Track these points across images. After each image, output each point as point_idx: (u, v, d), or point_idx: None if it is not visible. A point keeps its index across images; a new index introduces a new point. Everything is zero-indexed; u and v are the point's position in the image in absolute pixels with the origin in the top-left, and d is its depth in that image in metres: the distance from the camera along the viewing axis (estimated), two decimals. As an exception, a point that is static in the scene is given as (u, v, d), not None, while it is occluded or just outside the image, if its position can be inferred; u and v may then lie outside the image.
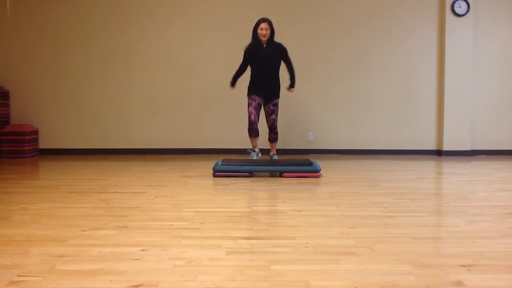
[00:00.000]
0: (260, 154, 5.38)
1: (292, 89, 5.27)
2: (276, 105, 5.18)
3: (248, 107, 5.09)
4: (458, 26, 6.57)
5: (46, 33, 6.58)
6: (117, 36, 6.60)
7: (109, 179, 4.42)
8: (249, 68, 5.20)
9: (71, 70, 6.62)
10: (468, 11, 6.54)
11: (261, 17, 5.15)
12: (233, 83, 5.26)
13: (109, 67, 6.63)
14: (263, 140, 6.08)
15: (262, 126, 5.83)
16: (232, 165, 4.62)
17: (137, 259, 2.11)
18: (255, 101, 5.07)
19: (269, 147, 5.61)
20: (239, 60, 5.25)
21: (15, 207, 3.20)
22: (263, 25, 4.98)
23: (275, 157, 5.35)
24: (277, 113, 5.22)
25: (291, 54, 5.21)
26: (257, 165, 4.62)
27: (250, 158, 5.20)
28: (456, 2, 6.53)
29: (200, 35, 6.64)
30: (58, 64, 6.61)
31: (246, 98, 5.21)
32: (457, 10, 6.54)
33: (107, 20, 6.59)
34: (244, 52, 5.13)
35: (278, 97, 5.19)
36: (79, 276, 1.89)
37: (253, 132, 5.08)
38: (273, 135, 5.28)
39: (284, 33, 6.01)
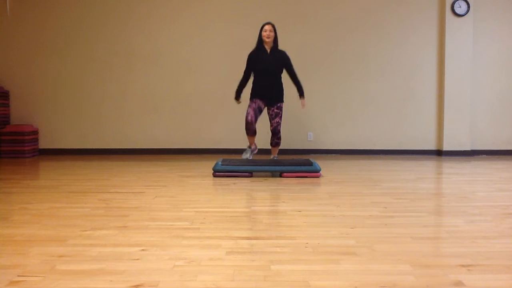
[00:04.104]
0: (256, 151, 5.27)
1: (303, 100, 5.19)
2: (280, 108, 5.10)
3: (248, 108, 5.05)
4: (458, 26, 6.57)
5: (46, 33, 6.58)
6: (117, 35, 6.61)
7: (109, 179, 4.42)
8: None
9: (71, 70, 6.62)
10: (468, 11, 6.54)
11: (265, 21, 5.11)
12: (238, 96, 5.20)
13: (109, 67, 6.63)
14: (264, 141, 6.08)
15: (264, 128, 5.81)
16: (232, 165, 4.62)
17: (137, 259, 2.11)
18: (255, 103, 5.03)
19: (268, 147, 5.58)
20: (240, 59, 5.24)
21: (15, 207, 3.20)
22: (267, 27, 4.99)
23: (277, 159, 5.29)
24: (281, 116, 5.12)
25: (291, 54, 5.20)
26: (257, 165, 4.62)
27: (242, 156, 5.13)
28: (456, 2, 6.53)
29: (200, 34, 6.64)
30: (57, 64, 6.61)
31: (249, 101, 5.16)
32: (457, 10, 6.54)
33: (106, 20, 6.60)
34: (248, 58, 5.09)
35: (282, 101, 5.13)
36: (79, 276, 1.89)
37: (249, 131, 5.02)
38: (275, 140, 5.16)
39: (284, 33, 6.00)
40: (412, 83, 6.73)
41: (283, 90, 5.14)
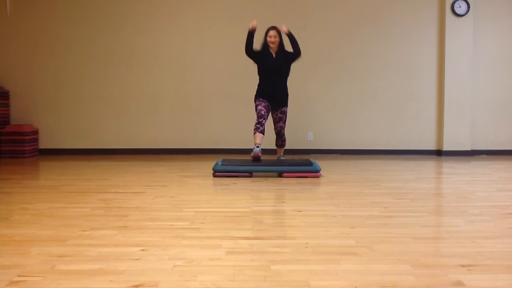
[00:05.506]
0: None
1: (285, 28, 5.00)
2: (284, 113, 5.14)
3: (257, 107, 4.98)
4: (458, 26, 6.57)
5: (46, 33, 6.58)
6: (117, 35, 6.60)
7: (109, 179, 4.41)
8: (256, 76, 5.10)
9: (71, 70, 6.62)
10: (468, 11, 6.54)
11: (266, 23, 5.11)
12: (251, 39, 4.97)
13: (109, 66, 6.62)
14: (268, 142, 6.09)
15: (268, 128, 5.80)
16: (232, 165, 4.62)
17: (137, 259, 2.11)
18: (264, 102, 5.01)
19: (272, 147, 5.68)
20: (240, 59, 5.23)
21: (15, 207, 3.20)
22: (272, 33, 4.99)
23: (283, 157, 5.36)
24: (284, 121, 5.17)
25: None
26: (257, 165, 4.62)
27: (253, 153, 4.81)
28: (456, 2, 6.52)
29: (200, 33, 6.64)
30: (57, 64, 6.60)
31: (252, 100, 5.15)
32: (457, 10, 6.54)
33: (106, 20, 6.59)
34: (255, 49, 5.00)
35: (287, 105, 5.16)
36: (79, 276, 1.89)
37: (260, 127, 4.83)
38: (280, 142, 5.26)
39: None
40: (412, 83, 6.73)
41: (288, 94, 5.15)
